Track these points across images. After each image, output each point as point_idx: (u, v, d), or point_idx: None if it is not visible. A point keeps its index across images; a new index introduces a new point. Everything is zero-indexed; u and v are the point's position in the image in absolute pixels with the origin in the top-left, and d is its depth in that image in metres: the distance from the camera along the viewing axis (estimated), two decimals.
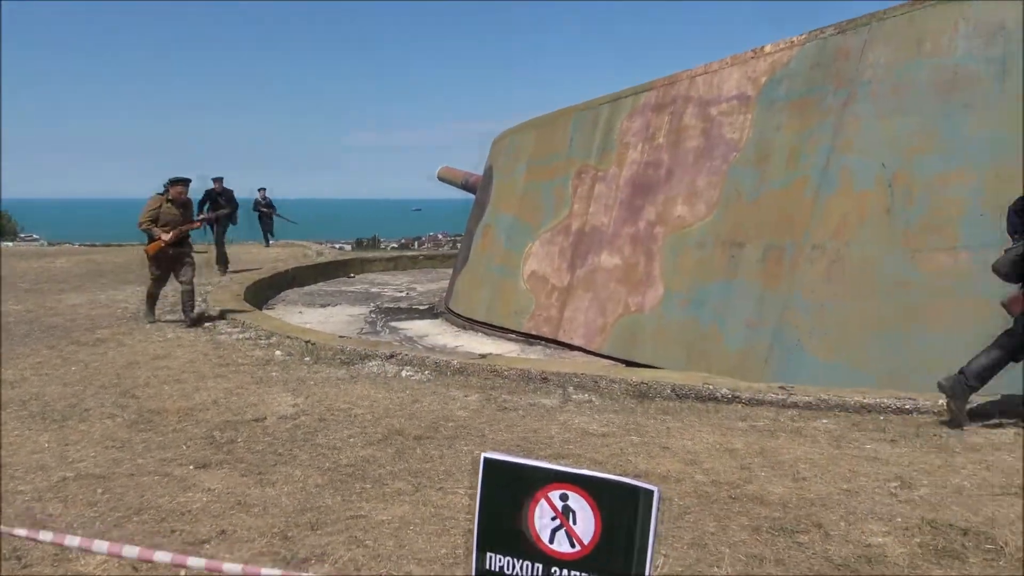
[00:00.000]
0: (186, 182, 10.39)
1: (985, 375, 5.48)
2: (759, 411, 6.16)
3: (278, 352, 8.58)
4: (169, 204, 10.16)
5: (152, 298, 10.52)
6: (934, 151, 6.98)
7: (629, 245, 9.55)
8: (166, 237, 9.99)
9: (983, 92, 6.81)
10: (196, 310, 10.45)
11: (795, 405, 6.20)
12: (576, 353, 9.70)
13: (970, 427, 5.56)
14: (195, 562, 2.68)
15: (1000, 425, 5.62)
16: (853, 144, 7.45)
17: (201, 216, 11.60)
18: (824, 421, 5.89)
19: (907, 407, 5.95)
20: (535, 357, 9.49)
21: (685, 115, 9.26)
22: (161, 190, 10.24)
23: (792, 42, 8.18)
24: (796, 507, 4.25)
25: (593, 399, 6.65)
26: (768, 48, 8.44)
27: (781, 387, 6.50)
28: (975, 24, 6.82)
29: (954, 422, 5.58)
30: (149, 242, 10.14)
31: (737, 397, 6.40)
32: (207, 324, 10.18)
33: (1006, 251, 5.55)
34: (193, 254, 10.64)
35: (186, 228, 10.37)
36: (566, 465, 1.99)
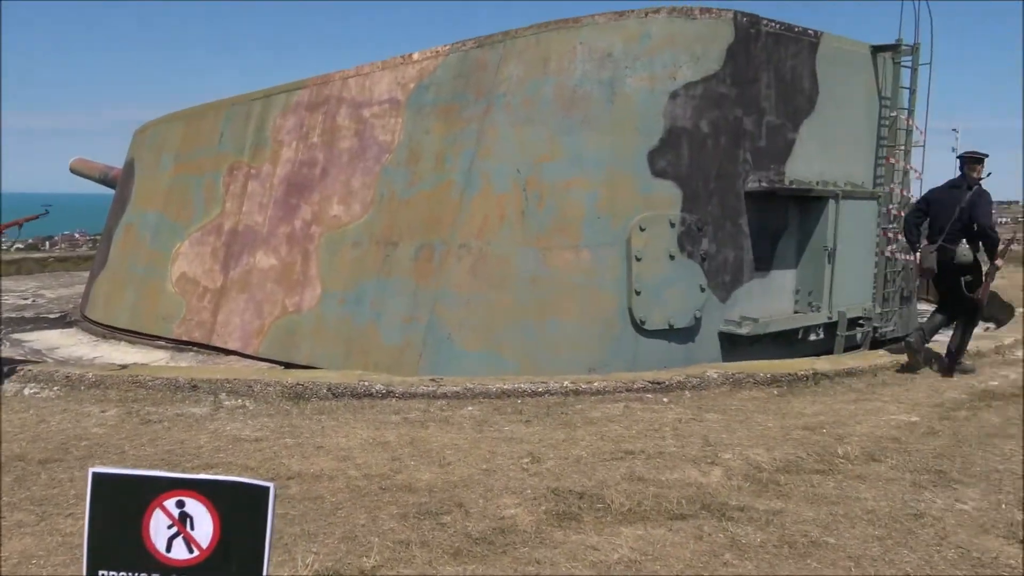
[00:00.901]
0: None
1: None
2: (412, 404, 6.44)
3: None
4: None
5: None
6: (559, 160, 7.82)
7: (285, 245, 9.40)
8: None
9: (596, 110, 7.77)
10: None
11: (445, 396, 6.57)
12: (232, 358, 9.33)
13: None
14: None
15: (614, 400, 6.48)
16: (492, 150, 8.06)
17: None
18: (470, 408, 6.33)
19: (540, 390, 6.60)
20: (186, 365, 8.97)
21: (339, 115, 9.33)
22: None
23: (438, 52, 8.62)
24: (441, 491, 4.54)
25: (247, 404, 6.47)
26: (416, 56, 8.81)
27: (432, 379, 6.86)
28: (589, 49, 7.76)
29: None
30: None
31: (391, 392, 6.62)
32: None
33: (922, 255, 7.48)
34: None
35: None
36: (184, 472, 1.96)
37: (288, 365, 8.58)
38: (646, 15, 7.67)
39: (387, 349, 8.23)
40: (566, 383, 6.70)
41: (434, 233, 8.23)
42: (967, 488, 4.48)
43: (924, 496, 4.36)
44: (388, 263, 8.49)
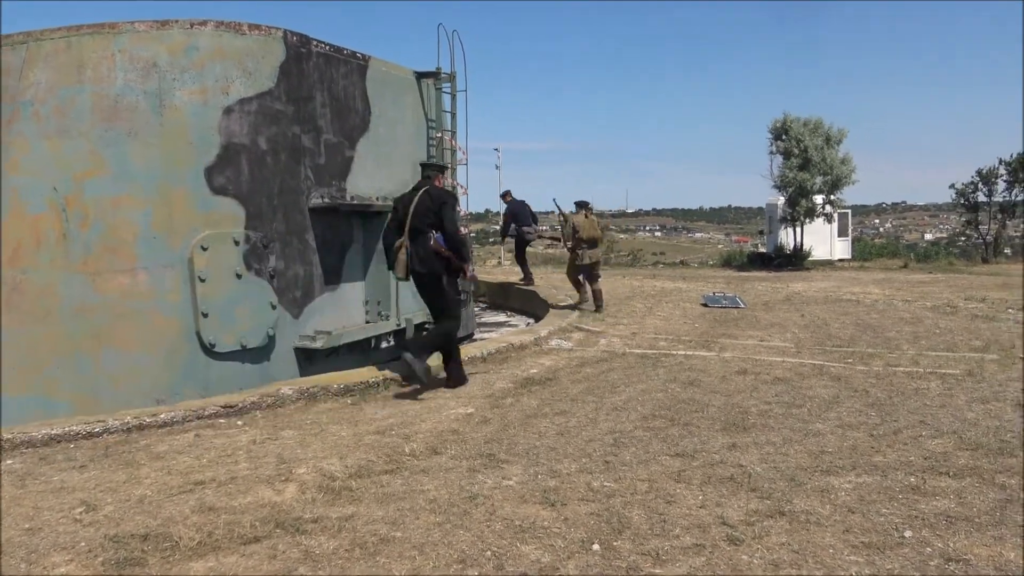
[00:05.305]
0: None
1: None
2: None
3: None
4: None
5: None
6: (104, 175, 7.16)
7: None
8: None
9: (144, 122, 7.27)
10: None
11: None
12: None
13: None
14: None
15: (183, 430, 6.14)
16: (21, 165, 7.11)
17: None
18: (9, 462, 5.51)
19: (97, 430, 5.99)
20: None
21: None
22: None
23: None
24: None
25: None
26: None
27: None
28: (130, 58, 7.22)
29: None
30: None
31: None
32: None
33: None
34: None
35: None
36: None
37: None
38: (191, 26, 7.36)
39: None
40: (128, 418, 6.17)
41: None
42: (512, 466, 5.09)
43: (477, 479, 4.85)
44: None
